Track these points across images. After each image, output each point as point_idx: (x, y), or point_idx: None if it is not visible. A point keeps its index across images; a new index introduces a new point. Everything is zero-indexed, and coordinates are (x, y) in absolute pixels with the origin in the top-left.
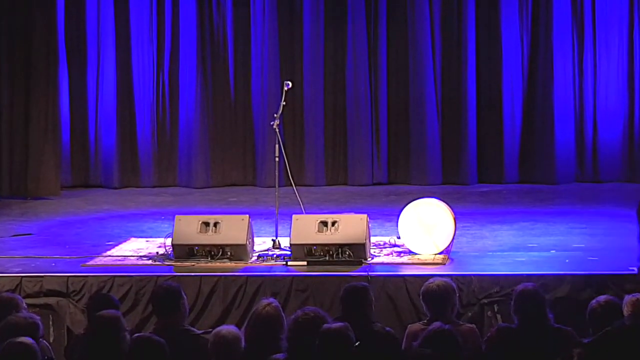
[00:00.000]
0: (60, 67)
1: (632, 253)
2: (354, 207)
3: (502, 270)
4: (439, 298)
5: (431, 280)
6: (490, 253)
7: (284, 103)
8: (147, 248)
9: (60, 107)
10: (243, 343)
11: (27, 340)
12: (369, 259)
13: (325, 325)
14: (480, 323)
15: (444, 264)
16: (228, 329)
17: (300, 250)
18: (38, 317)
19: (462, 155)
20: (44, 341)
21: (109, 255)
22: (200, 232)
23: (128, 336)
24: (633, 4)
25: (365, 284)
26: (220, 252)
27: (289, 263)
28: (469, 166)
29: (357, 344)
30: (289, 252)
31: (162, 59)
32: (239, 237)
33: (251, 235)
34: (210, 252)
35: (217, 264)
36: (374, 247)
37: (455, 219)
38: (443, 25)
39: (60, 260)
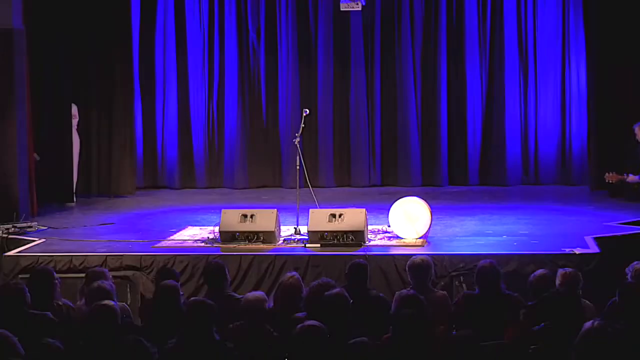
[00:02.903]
0: (136, 99)
1: (564, 238)
2: (356, 203)
3: (466, 250)
4: (421, 269)
5: (415, 257)
6: (458, 238)
7: (303, 126)
8: (200, 234)
9: (136, 128)
10: (269, 304)
11: (111, 303)
12: (367, 242)
13: (327, 293)
14: (450, 291)
15: (423, 246)
16: (254, 294)
17: (316, 236)
18: (112, 284)
19: (436, 163)
20: (124, 304)
21: (172, 239)
22: (240, 221)
23: (183, 300)
24: (565, 50)
25: (364, 261)
26: (255, 237)
27: (307, 245)
28: (441, 172)
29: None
30: (307, 237)
31: (212, 92)
32: (269, 226)
33: (278, 224)
34: (247, 236)
35: (253, 246)
36: (371, 233)
37: (431, 212)
38: (422, 67)
39: (135, 243)
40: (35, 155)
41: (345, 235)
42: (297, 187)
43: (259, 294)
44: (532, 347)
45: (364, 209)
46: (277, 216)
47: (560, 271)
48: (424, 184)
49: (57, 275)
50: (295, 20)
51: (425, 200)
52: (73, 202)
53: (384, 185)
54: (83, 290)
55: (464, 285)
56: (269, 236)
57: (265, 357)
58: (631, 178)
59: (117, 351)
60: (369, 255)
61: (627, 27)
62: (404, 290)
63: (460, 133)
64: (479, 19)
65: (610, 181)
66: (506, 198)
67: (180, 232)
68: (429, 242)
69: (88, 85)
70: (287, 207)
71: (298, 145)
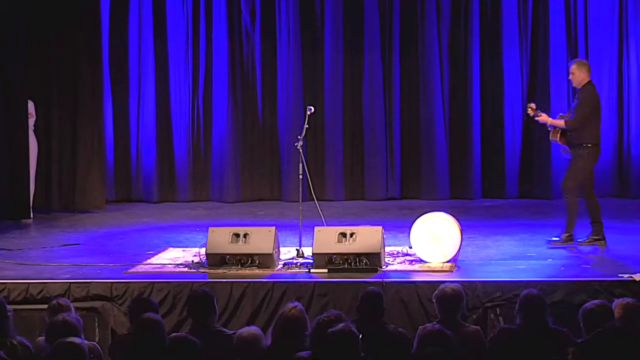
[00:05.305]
0: (105, 94)
1: (621, 261)
2: (370, 219)
3: (504, 277)
4: (451, 301)
5: (445, 284)
6: (494, 261)
7: (307, 126)
8: (183, 257)
9: (105, 130)
10: (266, 342)
11: (77, 340)
12: (384, 267)
13: (330, 329)
14: (484, 325)
15: (452, 272)
16: (248, 330)
17: (322, 259)
18: (78, 318)
19: (467, 172)
20: (93, 342)
21: (149, 263)
22: (231, 242)
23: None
24: (622, 36)
25: (379, 290)
26: (250, 261)
27: (312, 270)
28: (474, 183)
29: (360, 336)
30: (311, 261)
31: (197, 86)
32: (267, 247)
33: (277, 245)
34: (240, 260)
35: (247, 271)
36: (388, 256)
37: (461, 231)
38: (450, 55)
39: (105, 268)
40: None
41: (357, 259)
42: (300, 201)
43: (254, 329)
44: None
45: (380, 227)
46: (276, 235)
47: (617, 301)
48: (453, 197)
49: (10, 307)
50: None
51: (454, 217)
52: (30, 218)
53: (404, 198)
54: (43, 324)
55: (500, 318)
56: (265, 260)
57: None
58: (543, 118)
59: None
60: (386, 282)
61: None
62: (429, 325)
63: (497, 136)
64: None
65: (530, 113)
66: (551, 213)
67: (159, 254)
68: (458, 267)
69: (47, 77)
70: (287, 225)
71: (301, 150)
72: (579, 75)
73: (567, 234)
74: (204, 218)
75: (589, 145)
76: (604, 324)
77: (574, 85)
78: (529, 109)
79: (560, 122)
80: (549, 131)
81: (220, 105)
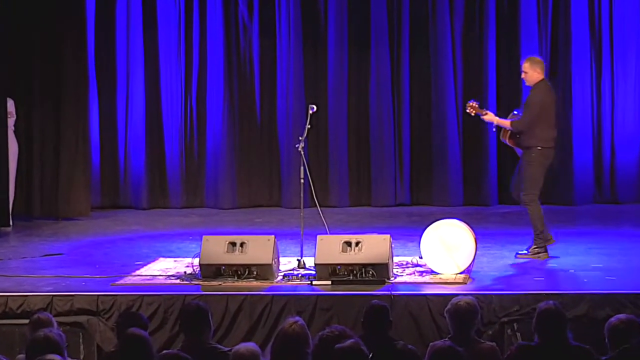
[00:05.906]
0: (91, 92)
1: None
2: (377, 227)
3: (522, 289)
4: (465, 315)
5: (458, 298)
6: (511, 273)
7: (309, 126)
8: (175, 268)
9: (91, 131)
10: (266, 359)
11: (58, 358)
12: (392, 279)
13: (338, 345)
14: (500, 341)
15: (465, 284)
16: (246, 346)
17: (325, 270)
18: (61, 333)
19: (482, 177)
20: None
21: (138, 275)
22: (227, 252)
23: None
24: None
25: (384, 303)
26: (247, 272)
27: (314, 282)
28: (489, 188)
29: (371, 355)
30: (313, 272)
31: (190, 84)
32: (265, 257)
33: (277, 255)
34: (236, 271)
35: (244, 283)
36: (397, 266)
37: (475, 239)
38: (464, 50)
39: (90, 280)
40: None
41: (363, 270)
42: (301, 207)
43: (251, 345)
44: None
45: (388, 236)
46: (275, 245)
47: None
48: (467, 203)
49: None
50: None
51: (468, 225)
52: (9, 226)
53: (414, 204)
54: (24, 340)
55: (518, 334)
56: (264, 271)
57: None
58: (489, 117)
59: None
60: (394, 295)
61: None
62: (440, 341)
63: None
64: None
65: (471, 113)
66: (573, 221)
67: (149, 265)
68: (472, 279)
69: (28, 74)
70: (288, 233)
71: (302, 152)
72: (532, 74)
73: (536, 246)
74: (198, 226)
75: (538, 148)
76: (630, 340)
77: (526, 84)
78: (469, 109)
79: (506, 123)
80: (495, 131)
81: (215, 104)
